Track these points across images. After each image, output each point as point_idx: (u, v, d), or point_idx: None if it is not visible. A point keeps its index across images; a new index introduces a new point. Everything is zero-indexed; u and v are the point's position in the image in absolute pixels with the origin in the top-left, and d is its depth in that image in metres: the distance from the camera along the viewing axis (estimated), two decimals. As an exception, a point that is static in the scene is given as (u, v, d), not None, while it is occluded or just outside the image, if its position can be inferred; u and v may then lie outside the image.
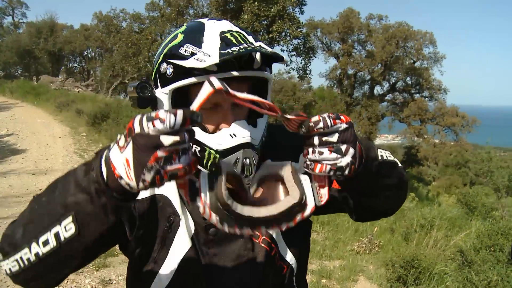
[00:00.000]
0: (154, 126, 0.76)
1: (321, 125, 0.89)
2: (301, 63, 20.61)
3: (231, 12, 13.01)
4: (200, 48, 1.05)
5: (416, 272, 5.04)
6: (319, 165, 0.92)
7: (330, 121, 0.89)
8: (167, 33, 24.63)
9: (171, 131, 0.76)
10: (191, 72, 1.05)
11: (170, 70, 1.09)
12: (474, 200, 8.77)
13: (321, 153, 0.91)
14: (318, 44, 30.69)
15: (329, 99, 33.43)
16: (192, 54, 1.05)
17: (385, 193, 1.15)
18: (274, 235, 1.21)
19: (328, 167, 0.91)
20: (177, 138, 0.76)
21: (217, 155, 1.05)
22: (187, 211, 1.15)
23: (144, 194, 1.14)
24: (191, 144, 0.82)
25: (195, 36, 1.09)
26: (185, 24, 1.18)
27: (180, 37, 1.11)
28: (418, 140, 31.19)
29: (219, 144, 1.06)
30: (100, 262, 5.02)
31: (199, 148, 1.07)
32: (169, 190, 1.15)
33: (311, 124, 0.89)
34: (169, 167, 0.77)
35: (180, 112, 0.77)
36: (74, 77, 37.46)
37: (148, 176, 0.76)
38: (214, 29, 1.10)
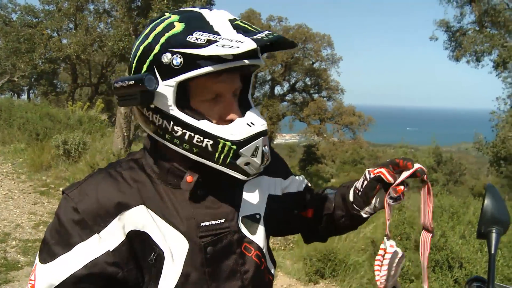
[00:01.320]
0: None
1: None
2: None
3: (138, 9, 12.55)
4: (220, 35, 1.00)
5: (332, 265, 5.22)
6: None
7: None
8: (64, 29, 23.44)
9: None
10: (205, 61, 0.99)
11: (177, 60, 1.00)
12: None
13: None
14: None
15: (231, 99, 33.71)
16: (210, 41, 0.98)
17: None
18: (264, 249, 1.22)
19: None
20: None
21: (234, 146, 1.04)
22: (172, 238, 1.10)
23: (118, 239, 1.06)
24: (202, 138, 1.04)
25: (202, 24, 1.03)
26: (169, 13, 1.10)
27: (179, 25, 1.03)
28: (318, 139, 32.44)
29: (235, 135, 1.05)
30: (1, 277, 4.57)
31: (211, 142, 1.05)
32: (145, 222, 1.09)
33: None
34: None
35: None
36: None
37: None
38: (219, 17, 1.06)
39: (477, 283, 1.11)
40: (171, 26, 1.04)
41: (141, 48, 1.06)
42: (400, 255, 1.11)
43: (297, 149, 44.55)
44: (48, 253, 1.04)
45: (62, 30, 23.28)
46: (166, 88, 1.03)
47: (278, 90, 33.87)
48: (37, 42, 19.94)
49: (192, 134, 1.05)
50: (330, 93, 32.21)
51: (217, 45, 0.97)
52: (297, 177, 1.42)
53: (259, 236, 1.20)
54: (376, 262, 1.14)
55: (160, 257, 1.08)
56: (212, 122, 1.06)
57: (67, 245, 1.03)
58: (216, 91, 1.06)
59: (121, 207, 1.08)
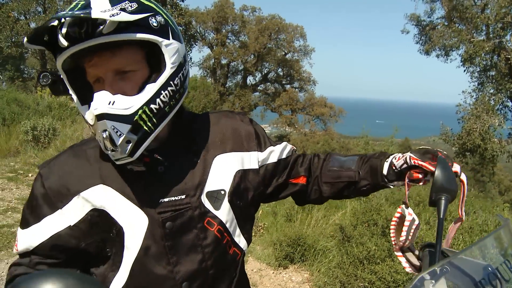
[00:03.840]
0: None
1: None
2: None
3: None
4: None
5: (302, 250, 5.33)
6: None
7: None
8: (32, 12, 22.83)
9: None
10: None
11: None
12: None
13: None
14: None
15: (202, 89, 33.50)
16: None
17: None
18: (227, 224, 1.24)
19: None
20: None
21: (93, 130, 1.09)
22: (131, 214, 1.15)
23: (78, 216, 1.15)
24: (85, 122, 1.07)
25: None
26: None
27: None
28: (289, 130, 32.58)
29: (91, 120, 1.06)
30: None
31: (87, 126, 1.11)
32: (103, 201, 1.15)
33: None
34: None
35: None
36: None
37: None
38: None
39: (429, 248, 1.18)
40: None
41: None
42: (416, 222, 1.17)
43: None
44: (24, 221, 1.20)
45: (30, 13, 22.67)
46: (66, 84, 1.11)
47: (250, 80, 33.97)
48: (2, 24, 19.39)
49: (84, 120, 1.12)
50: (302, 84, 32.43)
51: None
52: (277, 146, 1.40)
53: (223, 212, 1.22)
54: (392, 226, 1.23)
55: (120, 232, 1.14)
56: None
57: (37, 217, 1.17)
58: (93, 75, 1.08)
59: (80, 186, 1.16)
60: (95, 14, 0.95)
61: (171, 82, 1.11)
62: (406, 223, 1.17)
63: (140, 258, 1.15)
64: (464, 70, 18.36)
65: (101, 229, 1.15)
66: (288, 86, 32.86)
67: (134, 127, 1.05)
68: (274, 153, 1.38)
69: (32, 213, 1.18)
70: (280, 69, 33.22)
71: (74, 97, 1.11)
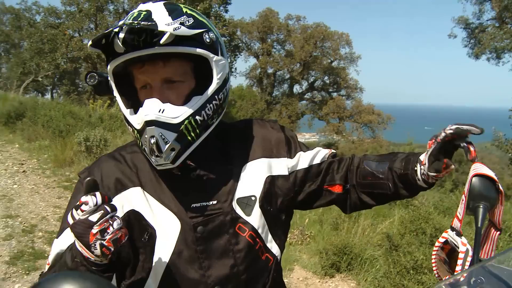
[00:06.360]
0: (82, 211, 0.93)
1: None
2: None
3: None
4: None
5: (348, 258, 5.29)
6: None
7: None
8: (85, 29, 23.83)
9: (96, 209, 0.93)
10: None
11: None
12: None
13: None
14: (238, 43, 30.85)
15: (249, 98, 33.76)
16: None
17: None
18: (259, 230, 1.25)
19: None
20: (101, 211, 0.93)
21: (138, 135, 1.12)
22: (165, 218, 1.19)
23: (119, 214, 1.17)
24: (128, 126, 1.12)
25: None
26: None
27: None
28: (337, 137, 32.21)
29: (138, 124, 1.11)
30: (30, 265, 4.78)
31: (131, 129, 1.15)
32: (139, 204, 1.20)
33: None
34: (108, 237, 0.92)
35: (97, 193, 0.94)
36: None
37: (97, 251, 0.92)
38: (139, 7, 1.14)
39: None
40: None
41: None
42: (471, 253, 1.05)
43: (316, 148, 44.24)
44: (60, 229, 1.20)
45: (83, 30, 23.65)
46: (113, 87, 1.18)
47: (297, 88, 33.92)
48: (59, 42, 20.39)
49: (125, 121, 1.18)
50: (349, 91, 32.05)
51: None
52: (308, 152, 1.38)
53: (254, 217, 1.24)
54: (434, 253, 1.14)
55: (152, 236, 1.18)
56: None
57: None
58: (143, 81, 1.14)
59: (121, 186, 1.21)
60: (161, 27, 1.03)
61: (216, 96, 1.16)
62: (461, 255, 1.06)
63: (173, 262, 1.17)
64: (518, 73, 17.64)
65: (134, 232, 1.18)
66: (335, 94, 32.59)
67: (179, 136, 1.09)
68: (305, 159, 1.36)
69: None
70: (326, 77, 33.01)
71: (119, 99, 1.18)
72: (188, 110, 1.11)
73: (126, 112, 1.16)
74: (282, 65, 32.24)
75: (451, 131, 1.10)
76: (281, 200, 1.31)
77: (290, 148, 1.37)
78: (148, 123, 1.07)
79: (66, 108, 13.57)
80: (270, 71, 33.60)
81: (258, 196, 1.26)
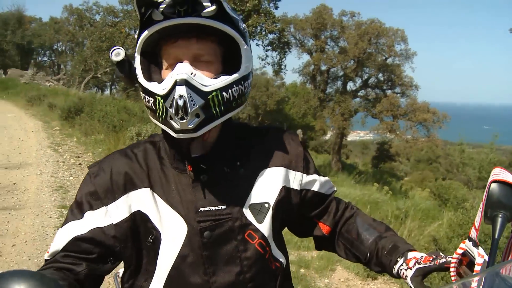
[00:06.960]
0: None
1: None
2: (276, 58, 20.75)
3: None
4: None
5: (392, 261, 5.19)
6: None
7: None
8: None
9: None
10: (144, 26, 1.11)
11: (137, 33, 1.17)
12: (447, 192, 9.00)
13: None
14: (291, 40, 30.73)
15: (302, 95, 33.58)
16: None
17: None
18: (269, 238, 1.23)
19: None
20: None
21: (162, 100, 1.08)
22: (172, 221, 1.17)
23: (122, 215, 1.17)
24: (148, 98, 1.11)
25: None
26: None
27: None
28: (390, 136, 31.52)
29: (164, 89, 1.08)
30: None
31: (152, 100, 1.11)
32: (147, 205, 1.18)
33: None
34: None
35: None
36: (45, 71, 36.62)
37: None
38: None
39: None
40: None
41: None
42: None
43: (370, 146, 43.64)
44: (66, 219, 1.21)
45: (138, 28, 24.29)
46: (136, 59, 1.16)
47: (350, 86, 33.31)
48: (116, 40, 21.06)
49: (144, 96, 1.14)
50: (404, 89, 31.19)
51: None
52: (321, 177, 1.38)
53: (265, 225, 1.22)
54: (452, 265, 1.06)
55: (157, 239, 1.17)
56: None
57: (80, 213, 1.18)
58: (174, 56, 1.11)
59: (130, 185, 1.19)
60: (204, 0, 1.04)
61: (242, 82, 1.15)
62: (477, 267, 0.97)
63: (177, 266, 1.16)
64: None
65: (140, 234, 1.18)
66: (389, 91, 31.76)
67: (206, 104, 1.07)
68: (318, 183, 1.36)
69: (73, 211, 1.20)
70: (380, 74, 32.21)
71: (140, 74, 1.15)
72: (217, 83, 1.10)
73: (148, 84, 1.13)
74: (335, 62, 31.77)
75: (454, 265, 1.06)
76: (286, 213, 1.31)
77: (308, 165, 1.35)
78: (180, 82, 1.04)
79: (121, 103, 14.07)
80: (323, 68, 33.22)
81: (272, 204, 1.24)
